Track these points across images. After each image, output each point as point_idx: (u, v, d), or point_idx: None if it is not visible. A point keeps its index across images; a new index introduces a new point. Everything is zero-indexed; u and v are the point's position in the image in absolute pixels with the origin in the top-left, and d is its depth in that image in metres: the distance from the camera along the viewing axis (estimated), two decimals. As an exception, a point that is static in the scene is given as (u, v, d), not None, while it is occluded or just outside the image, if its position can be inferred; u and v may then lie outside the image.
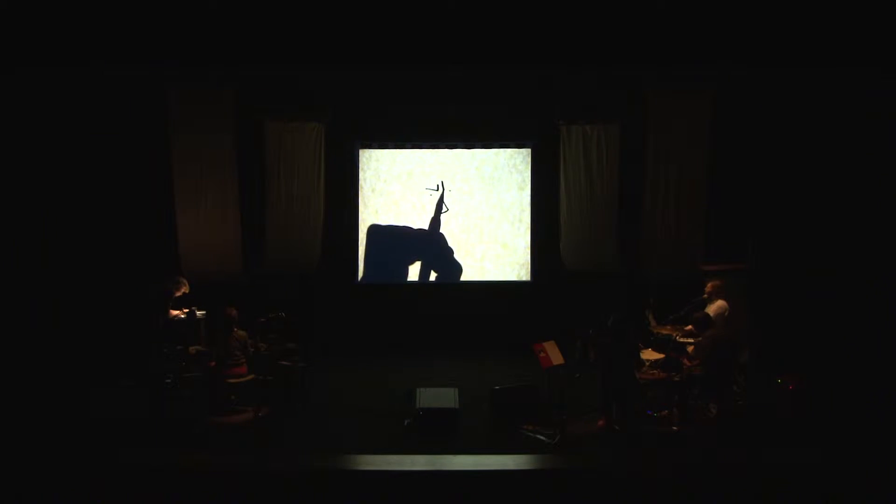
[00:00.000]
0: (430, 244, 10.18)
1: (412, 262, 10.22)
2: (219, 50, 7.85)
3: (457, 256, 10.17)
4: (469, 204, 10.15)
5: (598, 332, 7.03)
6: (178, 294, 8.27)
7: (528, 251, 10.17)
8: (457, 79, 9.29)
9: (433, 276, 10.24)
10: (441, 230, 10.16)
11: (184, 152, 9.42)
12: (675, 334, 7.52)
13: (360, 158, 10.11)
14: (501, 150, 10.15)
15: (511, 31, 7.72)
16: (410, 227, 10.15)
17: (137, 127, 9.23)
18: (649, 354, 7.27)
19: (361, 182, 10.13)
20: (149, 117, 9.26)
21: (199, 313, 8.27)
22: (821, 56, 7.77)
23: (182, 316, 8.19)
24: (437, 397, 6.94)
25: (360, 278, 10.15)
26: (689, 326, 7.35)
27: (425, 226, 10.15)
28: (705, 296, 7.75)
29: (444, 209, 10.14)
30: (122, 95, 9.00)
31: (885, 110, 8.53)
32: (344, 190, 10.05)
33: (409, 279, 10.21)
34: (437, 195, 10.11)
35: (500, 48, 7.93)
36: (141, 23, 7.54)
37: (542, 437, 6.49)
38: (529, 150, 10.14)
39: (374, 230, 10.16)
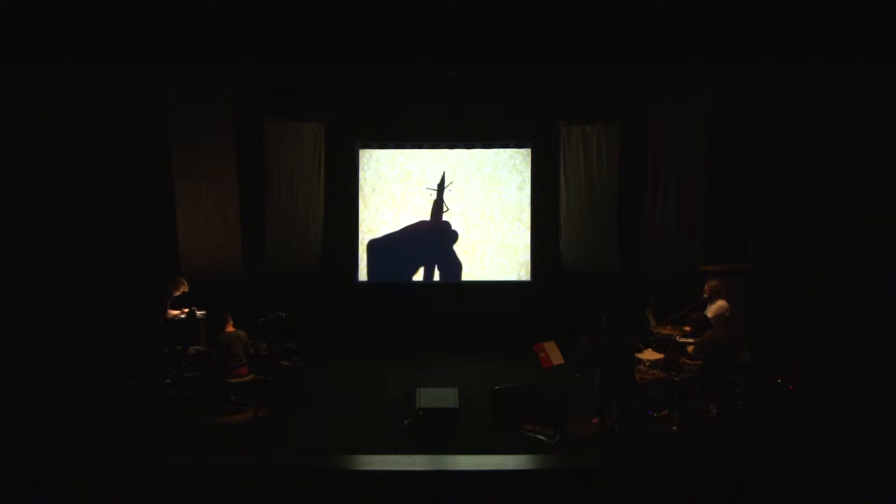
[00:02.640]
0: (432, 237, 10.15)
1: (416, 267, 10.22)
2: (219, 50, 7.84)
3: (457, 256, 10.19)
4: (469, 204, 10.15)
5: (594, 334, 7.03)
6: (178, 293, 8.28)
7: (528, 251, 10.17)
8: (457, 79, 9.28)
9: (437, 274, 10.23)
10: (444, 218, 10.14)
11: (184, 152, 9.41)
12: (675, 334, 7.52)
13: (360, 158, 10.11)
14: (501, 150, 10.15)
15: (511, 30, 7.72)
16: (409, 227, 10.12)
17: (137, 127, 9.23)
18: (649, 354, 7.27)
19: (361, 182, 10.13)
20: (149, 117, 9.26)
21: (199, 313, 8.28)
22: (821, 56, 7.76)
23: (182, 316, 8.21)
24: (437, 397, 6.94)
25: (359, 278, 10.15)
26: (688, 328, 7.36)
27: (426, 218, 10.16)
28: (705, 296, 7.75)
29: (445, 208, 10.14)
30: (123, 95, 9.00)
31: (886, 110, 8.52)
32: (344, 190, 10.05)
33: (411, 279, 10.21)
34: (436, 195, 10.11)
35: (500, 48, 7.92)
36: (141, 23, 7.54)
37: (542, 437, 6.49)
38: (529, 150, 10.13)
39: (373, 245, 10.13)
